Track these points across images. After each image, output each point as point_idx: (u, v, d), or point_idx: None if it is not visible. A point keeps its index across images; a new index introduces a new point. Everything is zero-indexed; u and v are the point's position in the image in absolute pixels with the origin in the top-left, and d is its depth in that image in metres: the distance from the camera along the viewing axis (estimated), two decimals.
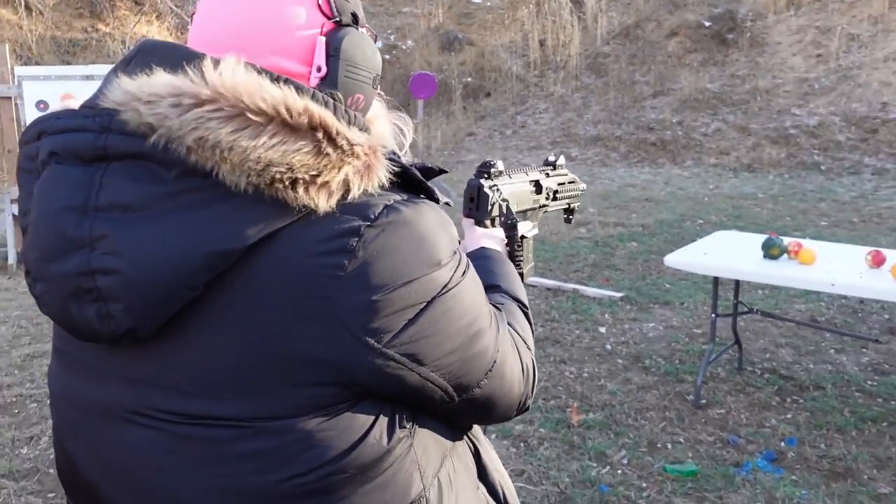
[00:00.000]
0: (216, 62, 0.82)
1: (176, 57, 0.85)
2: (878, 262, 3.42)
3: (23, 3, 13.54)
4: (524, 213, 1.44)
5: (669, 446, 3.38)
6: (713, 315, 3.83)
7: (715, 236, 4.25)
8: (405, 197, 0.88)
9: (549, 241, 7.11)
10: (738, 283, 4.12)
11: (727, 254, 3.77)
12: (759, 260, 3.63)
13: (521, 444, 3.41)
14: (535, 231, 1.49)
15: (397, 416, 0.91)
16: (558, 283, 5.78)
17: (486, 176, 1.32)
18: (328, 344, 0.82)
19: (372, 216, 0.83)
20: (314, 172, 0.81)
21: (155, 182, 0.81)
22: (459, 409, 0.96)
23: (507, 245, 1.33)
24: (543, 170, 1.53)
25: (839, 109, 11.15)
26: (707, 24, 13.64)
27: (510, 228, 1.31)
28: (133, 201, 0.81)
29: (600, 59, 14.24)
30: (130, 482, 0.90)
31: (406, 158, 1.05)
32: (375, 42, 1.01)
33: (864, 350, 4.46)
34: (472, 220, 1.31)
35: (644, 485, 3.08)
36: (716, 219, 8.01)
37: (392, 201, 0.86)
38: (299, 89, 0.84)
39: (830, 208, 8.51)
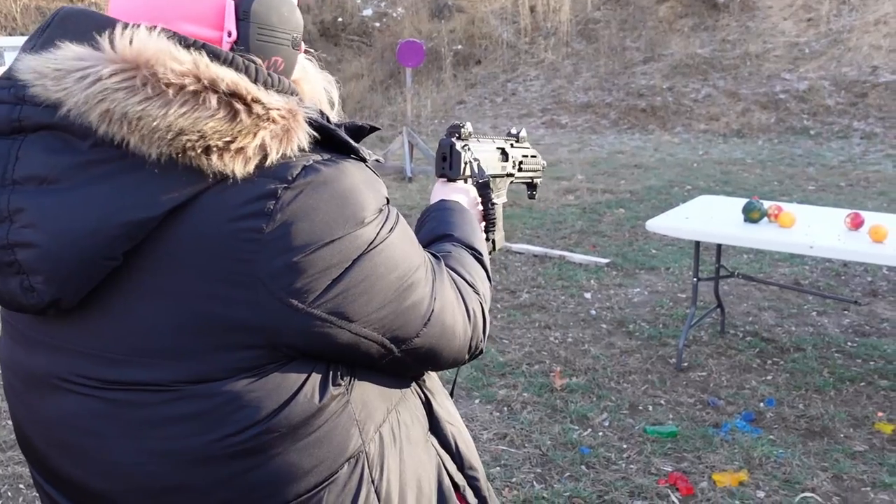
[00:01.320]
0: (127, 30, 0.82)
1: (89, 26, 0.84)
2: (856, 224, 3.45)
3: None
4: (493, 180, 1.45)
5: (650, 409, 3.43)
6: (694, 279, 3.87)
7: (697, 201, 4.27)
8: (326, 156, 0.88)
9: (537, 207, 7.12)
10: (719, 247, 4.15)
11: (708, 218, 3.79)
12: (740, 224, 3.66)
13: (505, 409, 3.46)
14: (504, 199, 1.50)
15: (331, 374, 0.92)
16: (545, 249, 5.80)
17: (457, 136, 1.32)
18: (252, 307, 0.83)
19: (289, 178, 0.83)
20: (228, 138, 0.81)
21: (70, 152, 0.82)
22: (403, 360, 0.97)
23: (480, 203, 1.33)
24: (507, 140, 1.54)
25: (829, 74, 11.11)
26: None
27: (483, 187, 1.32)
28: (48, 173, 0.81)
29: (591, 25, 14.13)
30: (68, 447, 0.93)
31: (335, 117, 1.05)
32: (297, 2, 1.00)
33: (846, 312, 4.50)
34: (444, 180, 1.32)
35: (624, 446, 3.14)
36: (704, 184, 8.01)
37: (311, 161, 0.86)
38: (214, 54, 0.84)
39: (818, 173, 8.53)
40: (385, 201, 0.93)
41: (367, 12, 16.21)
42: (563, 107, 12.58)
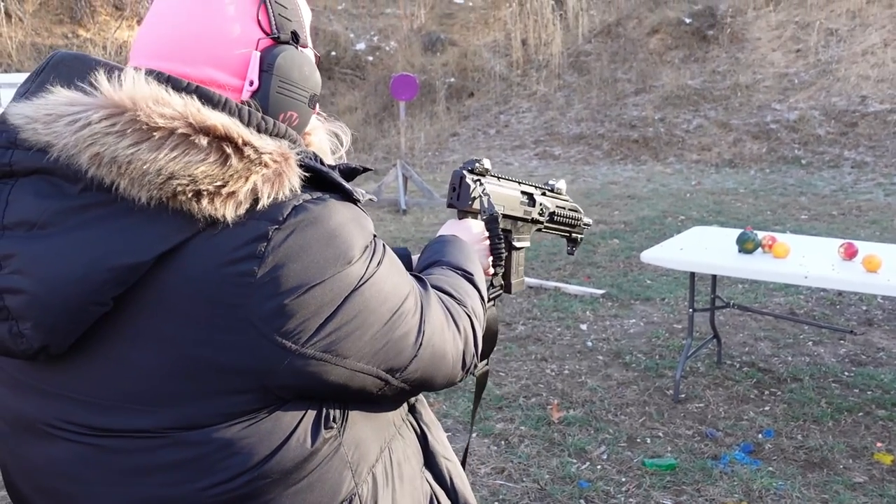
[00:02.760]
0: (118, 74, 0.83)
1: (82, 70, 0.85)
2: (850, 254, 3.46)
3: (2, 9, 13.46)
4: (514, 222, 1.45)
5: (649, 441, 3.41)
6: (690, 310, 3.87)
7: (692, 232, 4.28)
8: (315, 195, 0.89)
9: (532, 239, 7.12)
10: (714, 277, 4.15)
11: (703, 249, 3.80)
12: (734, 254, 3.67)
13: (502, 442, 3.43)
14: (527, 244, 1.51)
15: (324, 416, 0.92)
16: (540, 281, 5.80)
17: (469, 169, 1.34)
18: (245, 351, 0.83)
19: (280, 218, 0.84)
20: (219, 183, 0.81)
21: (60, 197, 0.82)
22: (398, 389, 0.97)
23: (487, 239, 1.34)
24: (541, 188, 1.54)
25: (819, 104, 11.23)
26: (687, 20, 13.71)
27: (491, 221, 1.32)
28: (38, 218, 0.81)
29: (582, 58, 14.29)
30: (55, 494, 0.92)
31: (339, 161, 1.07)
32: (318, 63, 1.02)
33: (842, 342, 4.50)
34: (454, 218, 1.34)
35: (623, 479, 3.11)
36: (697, 215, 8.06)
37: (301, 201, 0.87)
38: (206, 97, 0.85)
39: (811, 202, 8.58)
40: (371, 237, 0.94)
41: (361, 46, 16.36)
42: (555, 138, 12.67)
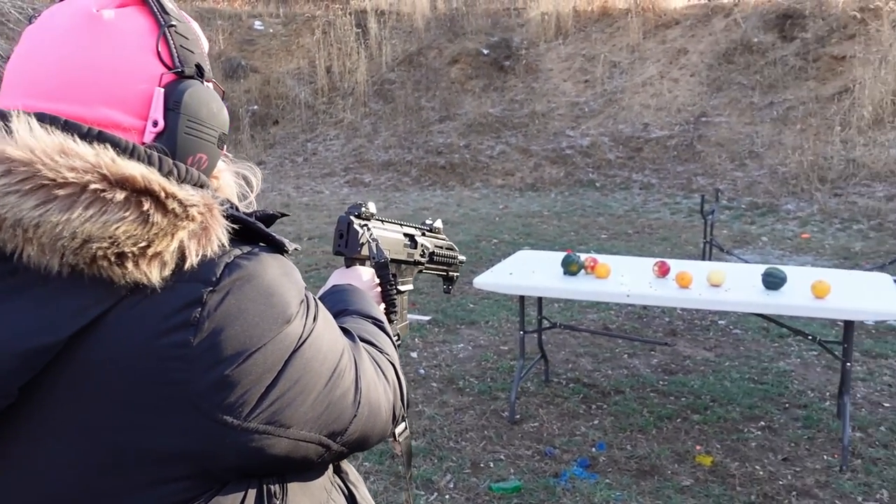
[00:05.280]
0: (13, 124, 0.71)
1: None
2: (663, 272, 3.72)
3: None
4: (398, 266, 1.41)
5: (492, 465, 3.46)
6: (521, 332, 3.99)
7: (517, 256, 4.43)
8: (245, 249, 0.81)
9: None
10: (540, 300, 4.32)
11: (531, 272, 3.94)
12: (560, 276, 3.83)
13: None
14: (410, 287, 1.47)
15: (265, 494, 0.84)
16: None
17: (356, 215, 1.28)
18: (182, 433, 0.74)
19: (213, 278, 0.75)
20: (144, 243, 0.71)
21: None
22: (338, 452, 0.91)
23: (379, 286, 1.29)
24: (420, 228, 1.51)
25: (607, 130, 12.11)
26: (485, 51, 14.32)
27: (382, 268, 1.28)
28: None
29: (387, 86, 14.49)
30: None
31: (251, 207, 0.99)
32: (223, 98, 0.93)
33: (653, 352, 4.83)
34: (342, 268, 1.28)
35: None
36: (508, 237, 8.38)
37: (232, 258, 0.78)
38: (118, 146, 0.75)
39: (608, 222, 9.20)
40: (304, 291, 0.87)
41: None
42: (365, 165, 12.72)
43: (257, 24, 16.58)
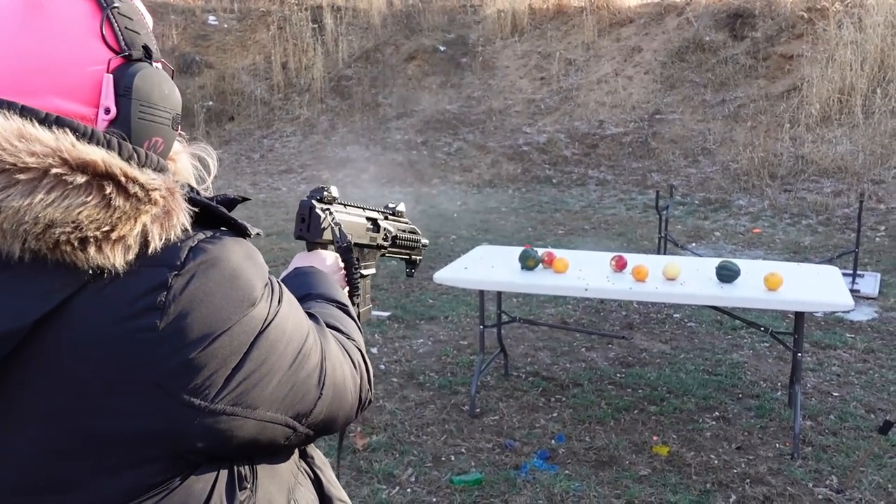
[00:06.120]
0: None
1: None
2: (620, 266, 3.78)
3: None
4: (360, 250, 1.41)
5: (453, 458, 3.48)
6: (481, 327, 4.01)
7: (476, 251, 4.45)
8: (208, 234, 0.81)
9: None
10: (499, 294, 4.35)
11: (489, 267, 3.97)
12: (518, 271, 3.86)
13: None
14: (373, 271, 1.47)
15: (237, 476, 0.85)
16: None
17: (318, 199, 1.28)
18: (149, 416, 0.74)
19: (177, 262, 0.76)
20: (107, 228, 0.72)
21: None
22: (303, 435, 0.92)
23: (343, 269, 1.29)
24: (383, 212, 1.51)
25: (563, 127, 12.21)
26: (442, 48, 14.33)
27: (345, 251, 1.28)
28: None
29: (343, 82, 14.43)
30: None
31: (209, 191, 0.99)
32: (172, 77, 0.92)
33: (610, 346, 4.91)
34: (304, 250, 1.28)
35: (434, 500, 3.15)
36: (467, 233, 8.41)
37: (196, 242, 0.79)
38: (76, 131, 0.75)
39: (565, 218, 9.29)
40: (267, 274, 0.87)
41: None
42: (322, 162, 12.64)
43: (211, 19, 16.36)
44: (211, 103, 14.35)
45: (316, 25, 15.18)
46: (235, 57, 15.41)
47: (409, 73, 14.21)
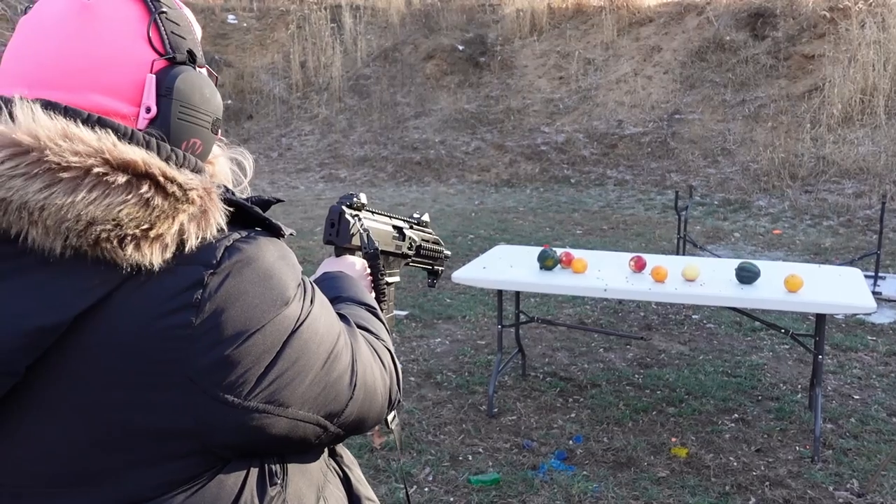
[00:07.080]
0: (18, 109, 0.72)
1: None
2: (640, 266, 3.77)
3: None
4: (386, 257, 1.42)
5: (470, 458, 3.48)
6: (499, 326, 4.01)
7: (494, 251, 4.45)
8: (243, 233, 0.83)
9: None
10: (518, 294, 4.35)
11: (508, 267, 3.96)
12: (537, 271, 3.86)
13: None
14: (397, 279, 1.49)
15: (267, 473, 0.87)
16: None
17: (348, 205, 1.30)
18: (182, 410, 0.76)
19: (213, 261, 0.78)
20: (146, 226, 0.74)
21: None
22: (335, 434, 0.93)
23: (370, 276, 1.30)
24: (408, 221, 1.53)
25: (582, 127, 12.18)
26: (461, 47, 14.33)
27: (373, 258, 1.29)
28: None
29: (362, 81, 14.46)
30: None
31: (245, 193, 1.01)
32: (216, 84, 0.95)
33: (628, 346, 4.89)
34: (332, 256, 1.30)
35: (452, 499, 3.15)
36: (484, 233, 8.41)
37: (232, 241, 0.81)
38: (117, 131, 0.77)
39: (583, 218, 9.27)
40: (301, 274, 0.89)
41: None
42: (340, 161, 12.69)
43: (231, 18, 16.46)
44: (230, 102, 14.43)
45: (335, 24, 15.23)
46: (254, 56, 15.49)
47: (427, 73, 14.23)
